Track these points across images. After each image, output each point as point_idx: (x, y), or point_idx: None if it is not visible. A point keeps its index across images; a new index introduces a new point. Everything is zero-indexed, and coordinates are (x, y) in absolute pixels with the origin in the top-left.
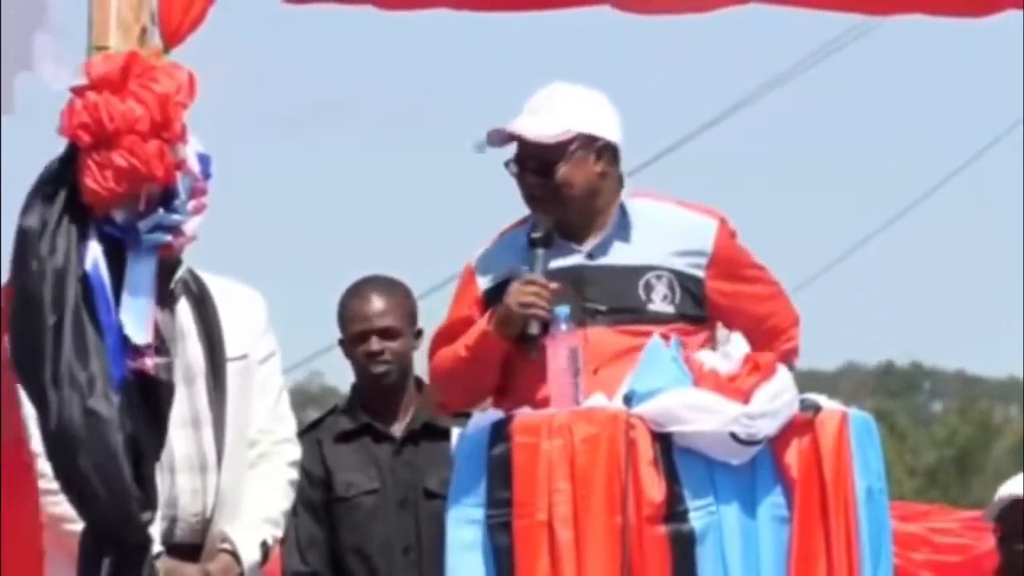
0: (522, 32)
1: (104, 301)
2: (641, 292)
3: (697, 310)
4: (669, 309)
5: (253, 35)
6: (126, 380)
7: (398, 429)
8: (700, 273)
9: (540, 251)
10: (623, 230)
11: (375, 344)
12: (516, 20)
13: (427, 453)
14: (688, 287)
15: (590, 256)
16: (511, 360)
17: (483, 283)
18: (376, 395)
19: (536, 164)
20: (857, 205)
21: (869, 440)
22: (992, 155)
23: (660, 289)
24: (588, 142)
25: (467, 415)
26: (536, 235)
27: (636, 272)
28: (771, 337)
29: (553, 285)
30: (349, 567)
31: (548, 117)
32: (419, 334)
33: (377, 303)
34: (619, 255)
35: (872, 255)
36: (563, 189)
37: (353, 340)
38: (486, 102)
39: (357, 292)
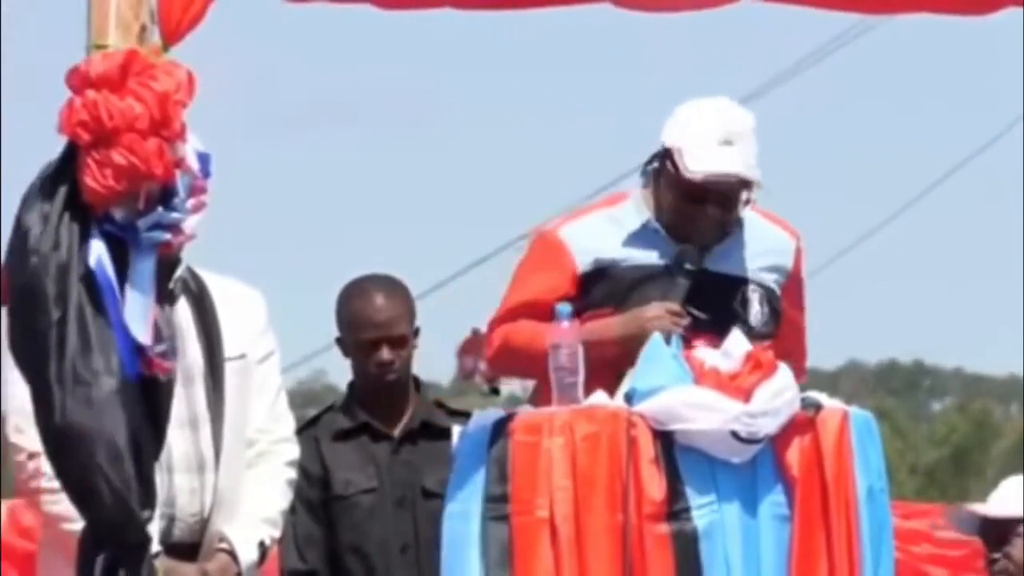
0: (523, 31)
1: (112, 299)
2: (738, 306)
3: (775, 327)
4: (761, 327)
5: (253, 34)
6: (141, 378)
7: (397, 428)
8: (779, 289)
9: (685, 282)
10: (734, 239)
11: (387, 353)
12: (516, 19)
13: (425, 452)
14: (773, 304)
15: (695, 259)
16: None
17: (581, 264)
18: (379, 397)
19: (725, 199)
20: (856, 203)
21: (870, 439)
22: (992, 153)
23: (754, 305)
24: None
25: (467, 414)
26: (689, 267)
27: (735, 284)
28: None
29: (688, 318)
30: (347, 565)
31: (747, 147)
32: (417, 332)
33: (387, 311)
34: (726, 264)
35: (873, 253)
36: (734, 220)
37: (362, 347)
38: (487, 101)
39: (363, 296)
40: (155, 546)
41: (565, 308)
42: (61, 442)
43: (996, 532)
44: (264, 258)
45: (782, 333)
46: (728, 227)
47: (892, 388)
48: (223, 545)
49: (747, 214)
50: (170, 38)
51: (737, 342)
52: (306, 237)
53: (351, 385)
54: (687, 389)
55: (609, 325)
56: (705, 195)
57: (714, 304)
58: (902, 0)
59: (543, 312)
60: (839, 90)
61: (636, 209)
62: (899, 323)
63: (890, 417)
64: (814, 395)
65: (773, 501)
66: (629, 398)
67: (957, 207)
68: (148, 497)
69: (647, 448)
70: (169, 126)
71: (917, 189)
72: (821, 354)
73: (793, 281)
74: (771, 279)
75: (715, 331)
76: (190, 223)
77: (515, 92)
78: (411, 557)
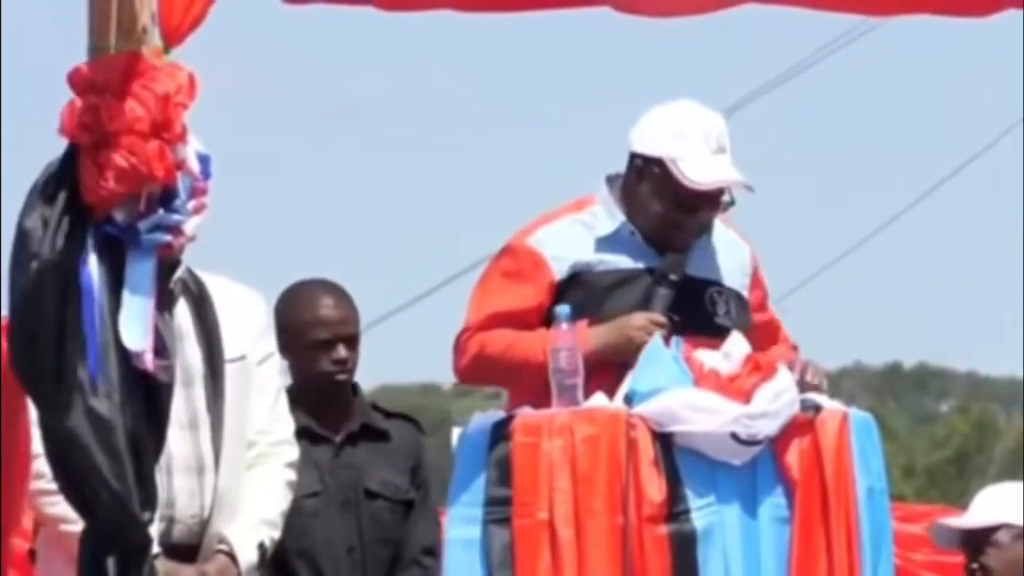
0: (520, 32)
1: (90, 304)
2: (708, 306)
3: (749, 323)
4: (729, 324)
5: (254, 35)
6: (141, 379)
7: (340, 431)
8: (746, 293)
9: (666, 291)
10: (699, 243)
11: (342, 351)
12: (514, 20)
13: (366, 453)
14: (741, 305)
15: (679, 269)
16: None
17: (558, 272)
18: (328, 399)
19: (715, 202)
20: (856, 205)
21: (869, 440)
22: (990, 155)
23: (721, 305)
24: None
25: (403, 416)
26: (674, 277)
27: (704, 286)
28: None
29: (668, 328)
30: (294, 569)
31: (730, 150)
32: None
33: (340, 310)
34: (690, 267)
35: (874, 254)
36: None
37: (316, 346)
38: (485, 103)
39: (314, 297)
40: (154, 548)
41: (564, 310)
42: (61, 446)
43: (973, 543)
44: (267, 257)
45: (763, 338)
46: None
47: (894, 390)
48: (223, 547)
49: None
50: (171, 39)
51: (737, 344)
52: (306, 239)
53: (289, 390)
54: (687, 391)
55: (590, 334)
56: (701, 202)
57: (686, 307)
58: (902, 1)
59: (519, 324)
60: (839, 91)
61: (607, 213)
62: (903, 325)
63: (884, 419)
64: (813, 397)
65: (773, 503)
66: (629, 400)
67: (957, 209)
68: (149, 499)
69: (647, 450)
70: (170, 128)
71: (917, 191)
72: (823, 356)
73: (757, 285)
74: (737, 282)
75: (688, 332)
76: (191, 225)
77: (513, 93)
78: (357, 558)
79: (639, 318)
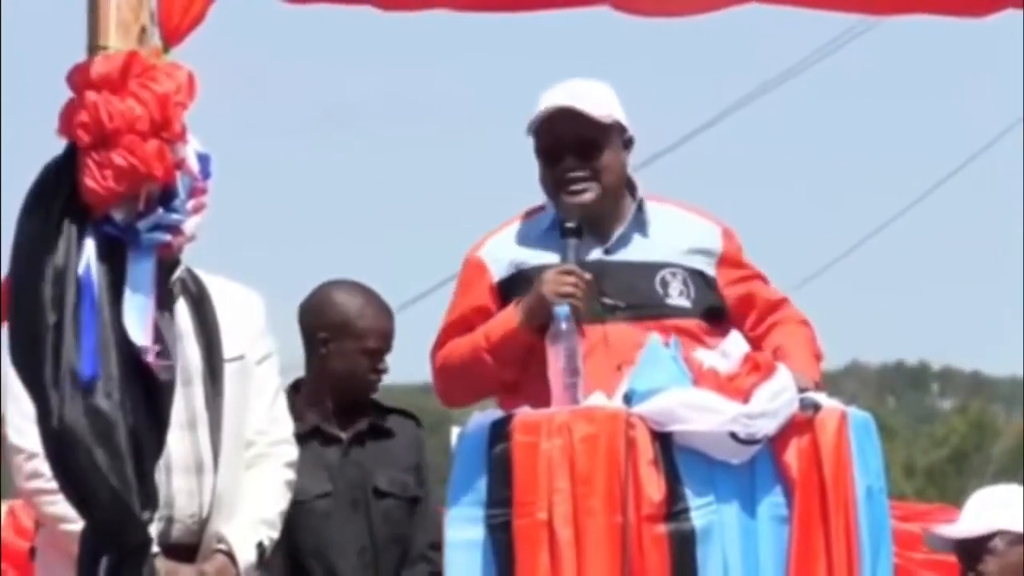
0: (522, 33)
1: (90, 302)
2: (658, 287)
3: (715, 301)
4: (687, 303)
5: (254, 34)
6: (142, 378)
7: (348, 431)
8: (712, 271)
9: (573, 241)
10: (639, 227)
11: (385, 363)
12: (515, 21)
13: (373, 452)
14: (701, 284)
15: (607, 251)
16: (529, 358)
17: (496, 273)
18: (352, 400)
19: (578, 147)
20: (856, 206)
21: (868, 439)
22: (990, 155)
23: (676, 285)
24: (621, 131)
25: (400, 411)
26: (570, 225)
27: (652, 268)
28: (773, 310)
29: (587, 276)
30: (309, 570)
31: (591, 102)
32: None
33: (391, 322)
34: (635, 252)
35: (875, 254)
36: (602, 175)
37: (363, 352)
38: (485, 102)
39: (369, 303)
40: (154, 547)
41: (564, 310)
42: (59, 445)
43: (968, 551)
44: (264, 259)
45: (755, 307)
46: (599, 181)
47: (895, 389)
48: (221, 546)
49: (665, 208)
50: (170, 39)
51: (735, 343)
52: (305, 238)
53: (295, 387)
54: (686, 390)
55: (511, 311)
56: (556, 149)
57: (631, 290)
58: (902, 0)
59: (472, 328)
60: (838, 91)
61: (550, 214)
62: (903, 325)
63: (883, 418)
64: (812, 396)
65: (772, 502)
66: (628, 399)
67: (957, 209)
68: (148, 498)
69: (646, 449)
70: (169, 127)
71: (917, 191)
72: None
73: (730, 262)
74: (699, 261)
75: (637, 316)
76: (190, 224)
77: (513, 93)
78: (368, 558)
79: (549, 273)
